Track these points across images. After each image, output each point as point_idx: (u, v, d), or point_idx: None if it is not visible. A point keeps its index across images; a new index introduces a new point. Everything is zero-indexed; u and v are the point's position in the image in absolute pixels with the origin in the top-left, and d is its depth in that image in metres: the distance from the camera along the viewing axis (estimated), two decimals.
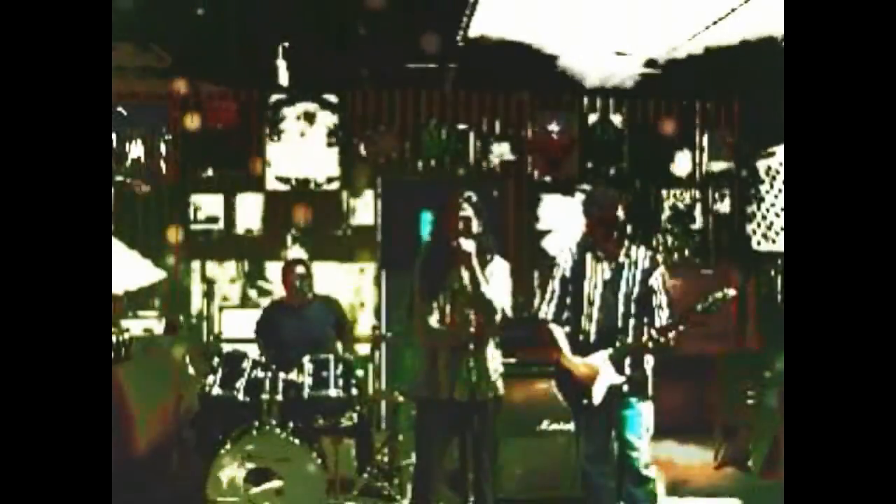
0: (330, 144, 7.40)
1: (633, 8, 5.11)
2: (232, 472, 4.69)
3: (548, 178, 7.53)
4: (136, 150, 7.23)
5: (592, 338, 4.10)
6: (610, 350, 4.06)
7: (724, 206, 7.66)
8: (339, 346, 5.70)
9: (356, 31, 5.53)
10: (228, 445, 4.75)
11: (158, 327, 7.00)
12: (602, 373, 4.05)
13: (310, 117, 7.39)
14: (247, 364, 5.10)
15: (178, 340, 6.63)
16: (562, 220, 7.39)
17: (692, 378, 6.61)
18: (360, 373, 5.59)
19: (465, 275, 3.88)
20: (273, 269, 7.03)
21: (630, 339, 4.06)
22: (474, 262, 3.85)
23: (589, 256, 4.17)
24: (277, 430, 4.79)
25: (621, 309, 4.10)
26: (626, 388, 4.07)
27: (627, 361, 4.08)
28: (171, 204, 7.25)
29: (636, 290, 4.10)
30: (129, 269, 6.97)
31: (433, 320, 3.97)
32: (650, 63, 6.36)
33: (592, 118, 7.60)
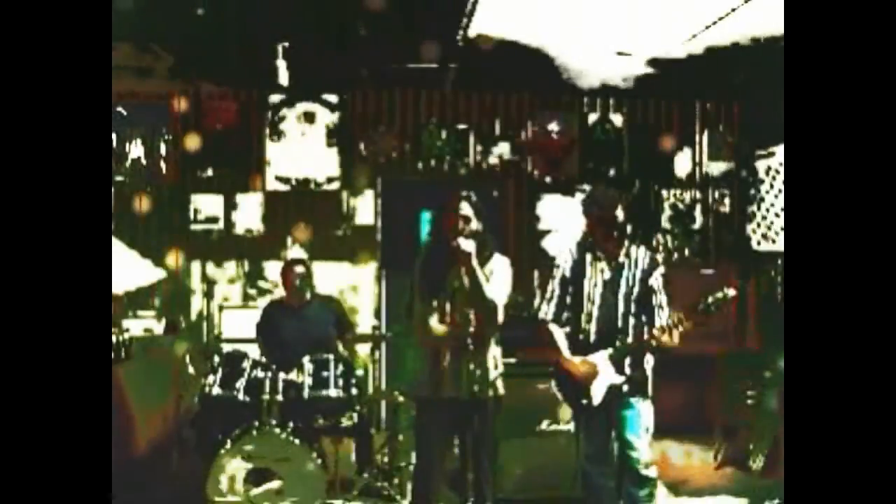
0: (330, 144, 7.41)
1: (633, 8, 5.11)
2: (232, 472, 4.69)
3: (548, 178, 7.53)
4: (136, 150, 7.23)
5: (592, 338, 4.11)
6: (610, 350, 4.06)
7: (724, 206, 7.66)
8: (340, 345, 5.70)
9: (356, 31, 5.53)
10: (228, 445, 4.75)
11: (158, 327, 7.00)
12: (602, 373, 4.05)
13: (310, 117, 7.39)
14: (247, 364, 5.10)
15: (178, 340, 6.64)
16: (562, 220, 7.39)
17: (692, 378, 6.60)
18: (359, 373, 5.59)
19: (465, 274, 3.89)
20: (273, 269, 7.03)
21: (630, 339, 4.07)
22: (474, 261, 3.85)
23: (589, 256, 4.17)
24: (277, 430, 4.79)
25: (621, 309, 4.10)
26: (625, 388, 4.07)
27: (627, 361, 4.08)
28: (171, 204, 7.25)
29: (636, 289, 4.10)
30: (129, 269, 6.97)
31: (433, 320, 3.97)
32: (650, 63, 6.35)
33: (592, 118, 7.60)
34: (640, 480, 4.04)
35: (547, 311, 4.21)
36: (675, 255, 7.55)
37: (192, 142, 7.11)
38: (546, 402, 4.85)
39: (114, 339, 5.78)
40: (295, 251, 7.17)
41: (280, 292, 6.10)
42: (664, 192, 7.62)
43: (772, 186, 7.07)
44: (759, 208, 7.28)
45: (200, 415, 5.17)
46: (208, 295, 7.20)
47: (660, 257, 4.24)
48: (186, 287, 7.24)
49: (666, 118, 7.64)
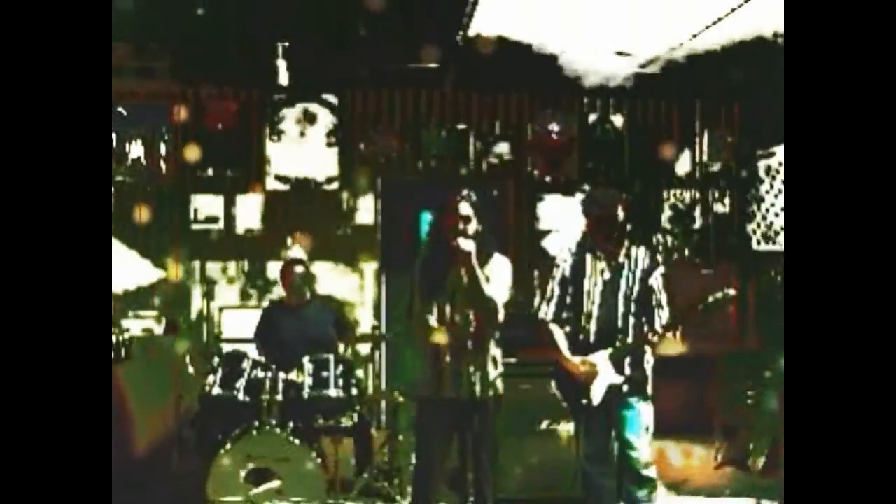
0: (330, 144, 7.41)
1: (633, 8, 5.11)
2: (232, 472, 4.69)
3: (548, 178, 7.53)
4: (136, 150, 7.23)
5: (592, 338, 4.11)
6: (610, 350, 4.06)
7: (724, 206, 7.66)
8: (340, 345, 5.70)
9: (356, 31, 5.53)
10: (228, 445, 4.75)
11: (158, 327, 7.00)
12: (602, 373, 4.05)
13: (310, 117, 7.39)
14: (247, 364, 5.10)
15: (178, 340, 6.64)
16: (562, 220, 7.39)
17: (692, 378, 6.61)
18: (360, 373, 5.59)
19: (465, 274, 3.88)
20: (273, 269, 7.03)
21: (630, 339, 4.07)
22: (474, 261, 3.85)
23: (589, 256, 4.17)
24: (277, 430, 4.79)
25: (621, 309, 4.10)
26: (625, 388, 4.07)
27: (627, 361, 4.08)
28: (171, 204, 7.25)
29: (636, 289, 4.10)
30: (129, 269, 6.97)
31: (433, 320, 3.96)
32: (650, 63, 6.36)
33: (592, 118, 7.60)
34: (640, 480, 4.04)
35: (547, 311, 4.21)
36: (675, 255, 7.54)
37: (192, 152, 7.10)
38: (546, 402, 4.85)
39: (114, 339, 5.78)
40: (295, 251, 7.17)
41: (280, 292, 6.10)
42: (664, 192, 7.62)
43: (772, 186, 7.07)
44: (759, 208, 7.28)
45: (200, 415, 5.17)
46: (208, 295, 7.20)
47: (660, 257, 4.24)
48: (186, 287, 7.24)
49: (666, 118, 7.64)
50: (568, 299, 4.18)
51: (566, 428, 5.02)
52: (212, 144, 7.26)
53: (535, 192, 7.51)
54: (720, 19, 5.20)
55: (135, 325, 6.85)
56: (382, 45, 5.90)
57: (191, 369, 5.46)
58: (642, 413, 4.07)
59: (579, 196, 7.18)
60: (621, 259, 4.14)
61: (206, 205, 7.26)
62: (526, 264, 7.06)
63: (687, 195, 7.64)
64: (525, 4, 5.14)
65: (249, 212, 7.30)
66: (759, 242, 7.28)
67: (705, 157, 7.66)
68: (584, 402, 4.10)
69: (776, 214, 6.97)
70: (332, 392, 5.02)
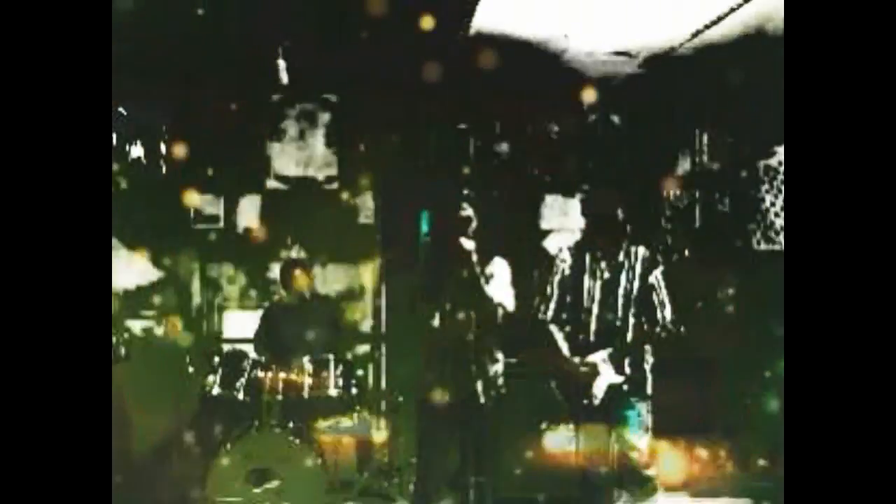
0: (330, 144, 7.40)
1: (633, 7, 5.11)
2: (232, 472, 4.69)
3: (548, 178, 7.52)
4: (136, 150, 7.23)
5: (592, 338, 4.11)
6: (610, 350, 4.06)
7: (724, 206, 7.65)
8: (339, 345, 5.70)
9: (356, 31, 5.53)
10: (228, 445, 4.75)
11: (158, 327, 7.00)
12: (602, 373, 4.05)
13: (310, 117, 7.39)
14: (247, 364, 5.10)
15: (178, 340, 6.64)
16: (562, 220, 7.39)
17: (692, 378, 6.60)
18: (360, 373, 5.59)
19: (465, 275, 3.89)
20: (273, 269, 7.02)
21: (630, 339, 4.07)
22: (474, 261, 3.85)
23: (589, 256, 4.17)
24: (277, 430, 4.79)
25: (621, 308, 4.10)
26: (625, 387, 4.07)
27: (627, 361, 4.08)
28: (172, 204, 7.24)
29: (636, 289, 4.10)
30: (129, 269, 6.97)
31: (433, 320, 3.97)
32: (650, 63, 6.35)
33: (592, 118, 7.59)
34: (640, 480, 4.04)
35: (547, 311, 4.21)
36: (675, 255, 7.54)
37: (192, 152, 7.10)
38: (546, 402, 4.85)
39: (114, 339, 5.78)
40: (295, 251, 7.17)
41: (280, 292, 6.10)
42: (664, 192, 7.61)
43: (772, 186, 7.07)
44: (759, 208, 7.28)
45: (200, 415, 5.17)
46: (208, 295, 7.20)
47: (660, 257, 4.24)
48: (186, 287, 7.23)
49: (666, 118, 7.63)
50: (568, 299, 4.18)
51: (566, 428, 5.02)
52: (212, 144, 7.25)
53: (535, 192, 7.51)
54: (720, 18, 5.20)
55: (135, 325, 6.85)
56: (382, 46, 5.89)
57: (191, 369, 5.46)
58: (642, 413, 4.08)
59: (579, 196, 7.19)
60: (621, 258, 4.14)
61: (206, 205, 7.25)
62: (526, 264, 7.05)
63: (687, 195, 7.63)
64: (525, 4, 5.14)
65: (249, 212, 7.29)
66: (759, 242, 7.27)
67: (705, 158, 7.65)
68: (584, 402, 4.10)
69: (776, 214, 6.97)
70: (332, 392, 5.02)
